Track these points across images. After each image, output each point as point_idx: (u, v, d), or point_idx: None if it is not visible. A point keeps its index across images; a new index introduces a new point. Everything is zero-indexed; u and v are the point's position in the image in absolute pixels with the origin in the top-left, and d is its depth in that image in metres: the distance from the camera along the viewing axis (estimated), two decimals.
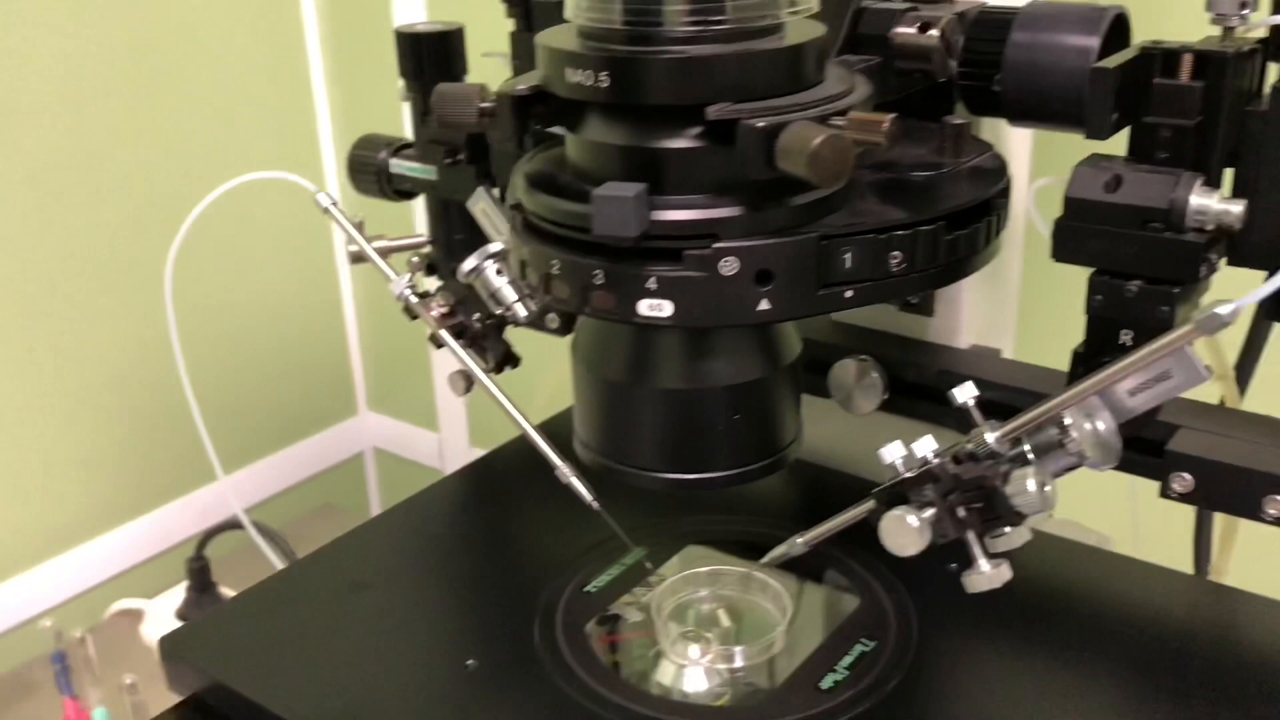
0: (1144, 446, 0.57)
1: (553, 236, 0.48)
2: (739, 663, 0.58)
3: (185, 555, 1.25)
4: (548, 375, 0.78)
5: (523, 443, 0.78)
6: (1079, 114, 0.50)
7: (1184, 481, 0.57)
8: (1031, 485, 0.43)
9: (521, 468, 0.77)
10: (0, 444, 1.27)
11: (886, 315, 0.69)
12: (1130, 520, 0.70)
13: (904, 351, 0.67)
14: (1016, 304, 0.70)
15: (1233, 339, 0.64)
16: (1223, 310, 0.41)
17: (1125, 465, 0.60)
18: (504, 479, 0.76)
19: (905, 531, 0.44)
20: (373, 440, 1.66)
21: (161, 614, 1.26)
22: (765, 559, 0.57)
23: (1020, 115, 0.55)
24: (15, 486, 1.30)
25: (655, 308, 0.46)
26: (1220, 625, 0.60)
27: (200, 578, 1.26)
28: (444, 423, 1.55)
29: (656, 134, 0.45)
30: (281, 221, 1.47)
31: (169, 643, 0.59)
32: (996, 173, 0.52)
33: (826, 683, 0.55)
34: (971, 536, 0.45)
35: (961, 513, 0.45)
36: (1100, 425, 0.45)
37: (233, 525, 1.27)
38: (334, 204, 0.66)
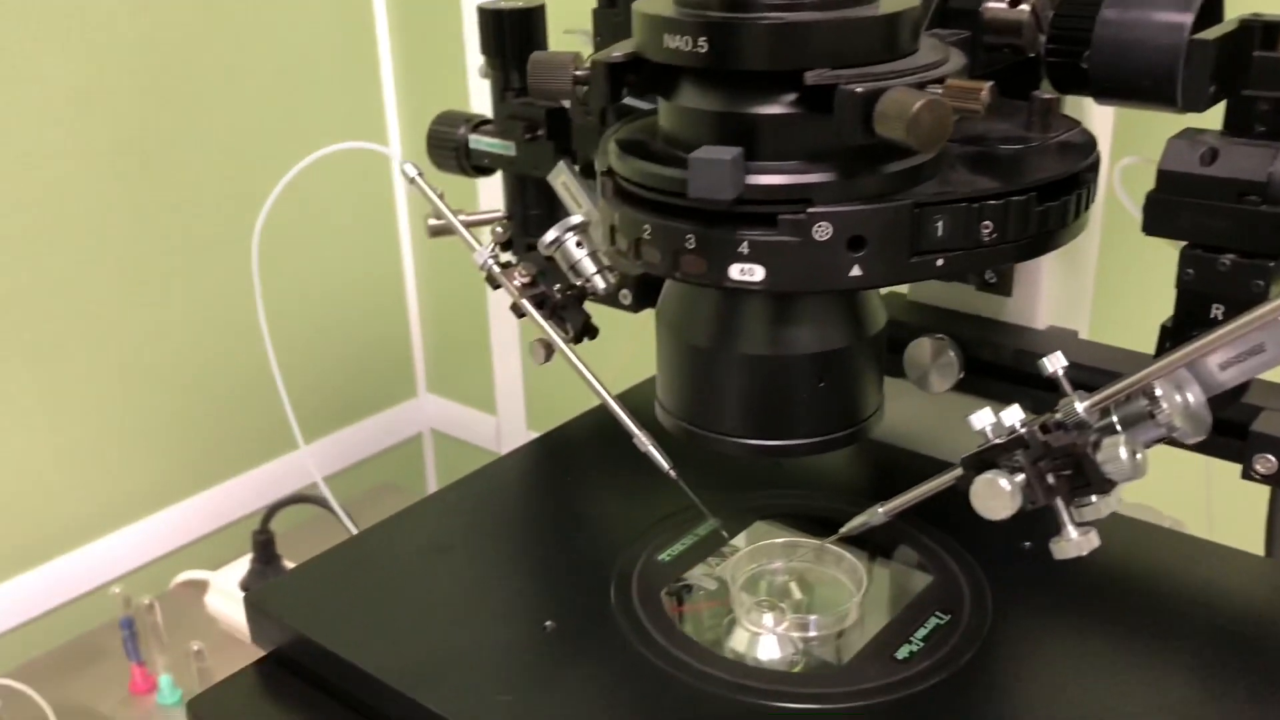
0: (1227, 429, 0.57)
1: (645, 201, 0.48)
2: (813, 632, 0.58)
3: (248, 530, 1.27)
4: (620, 350, 0.79)
5: (588, 419, 0.79)
6: (1168, 91, 0.50)
7: (1268, 463, 0.56)
8: (1124, 453, 0.43)
9: (589, 441, 0.78)
10: (75, 415, 1.30)
11: (964, 295, 0.69)
12: (1205, 504, 0.70)
13: (981, 331, 0.67)
14: (1093, 285, 0.70)
15: None
16: None
17: (1208, 447, 0.60)
18: (574, 452, 0.77)
19: (997, 494, 0.45)
20: (431, 422, 1.68)
21: (225, 585, 1.29)
22: (844, 529, 0.57)
23: (1107, 93, 0.54)
24: (90, 457, 1.33)
25: (747, 272, 0.46)
26: None
27: (265, 550, 1.28)
28: (502, 406, 1.57)
29: (753, 99, 0.46)
30: (345, 207, 1.50)
31: (254, 597, 0.60)
32: (1085, 147, 0.52)
33: (902, 653, 0.55)
34: (1060, 504, 0.45)
35: (1051, 480, 0.45)
36: (1190, 397, 0.45)
37: (298, 499, 1.29)
38: (419, 174, 0.67)
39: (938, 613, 0.58)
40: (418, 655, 0.56)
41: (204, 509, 1.45)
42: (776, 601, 0.60)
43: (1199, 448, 0.59)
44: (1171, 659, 0.55)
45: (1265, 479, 0.57)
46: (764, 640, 0.58)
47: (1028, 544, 0.63)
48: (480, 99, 1.37)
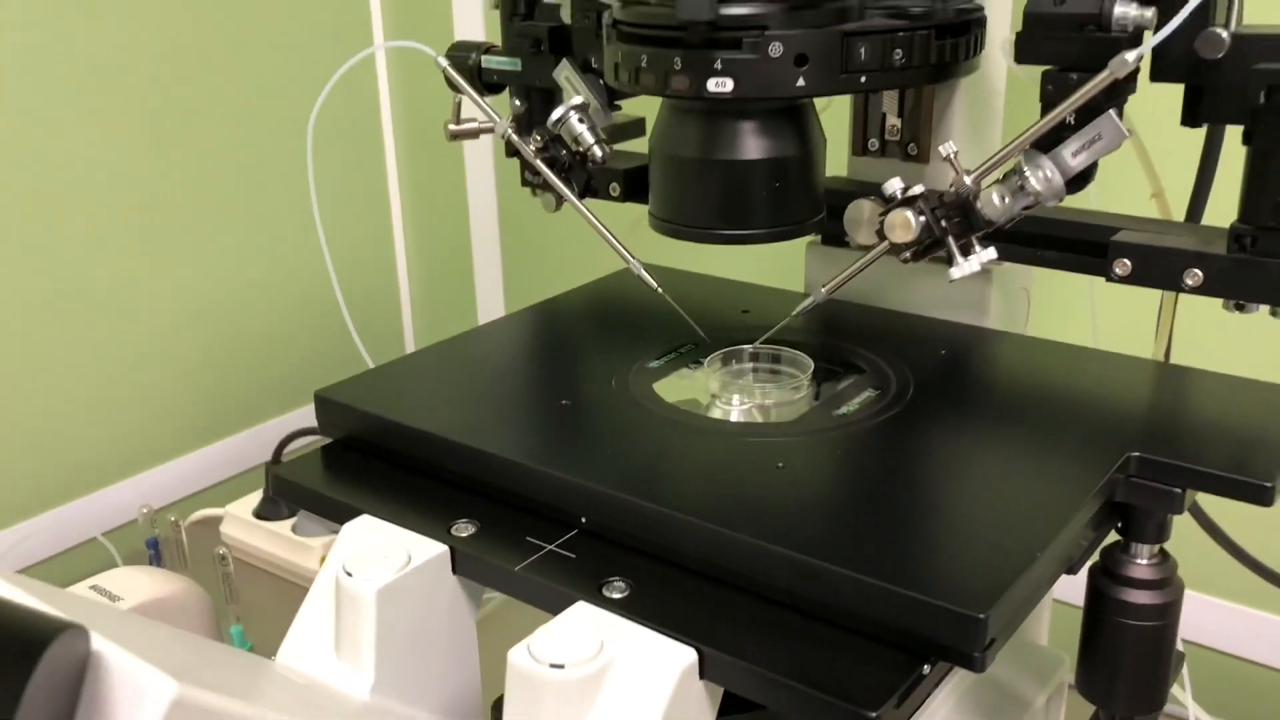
0: (1095, 250, 0.74)
1: (641, 38, 0.64)
2: (769, 402, 0.73)
3: (257, 478, 1.40)
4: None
5: (580, 293, 0.95)
6: None
7: (1124, 265, 0.72)
8: (995, 199, 0.59)
9: (586, 306, 0.93)
10: (99, 365, 1.44)
11: (892, 168, 0.85)
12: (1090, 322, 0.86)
13: None
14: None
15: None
16: (1129, 55, 0.57)
17: (1082, 266, 0.76)
18: (573, 308, 0.92)
19: (905, 223, 0.60)
20: None
21: (239, 514, 1.41)
22: (796, 310, 0.73)
23: None
24: (109, 405, 1.46)
25: (720, 85, 0.62)
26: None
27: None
28: None
29: None
30: (344, 187, 1.65)
31: (324, 393, 0.75)
32: (976, 9, 0.69)
33: (840, 411, 0.71)
34: (951, 241, 0.61)
35: (944, 224, 0.61)
36: (1048, 173, 0.61)
37: (309, 431, 1.43)
38: (449, 65, 0.82)
39: (870, 388, 0.74)
40: (464, 420, 0.71)
41: (217, 458, 1.58)
42: (744, 385, 0.75)
43: (1079, 267, 0.76)
44: (1025, 425, 0.71)
45: (1123, 279, 0.73)
46: (733, 414, 0.73)
47: (944, 351, 0.79)
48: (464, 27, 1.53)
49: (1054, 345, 0.81)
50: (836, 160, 0.88)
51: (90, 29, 1.35)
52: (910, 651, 0.53)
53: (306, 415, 1.56)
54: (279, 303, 1.62)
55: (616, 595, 0.58)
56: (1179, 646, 0.99)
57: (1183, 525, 0.97)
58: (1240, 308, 0.71)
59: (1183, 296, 0.74)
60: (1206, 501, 0.95)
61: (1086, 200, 0.76)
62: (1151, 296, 0.79)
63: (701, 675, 0.54)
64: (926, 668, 0.53)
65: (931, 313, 0.85)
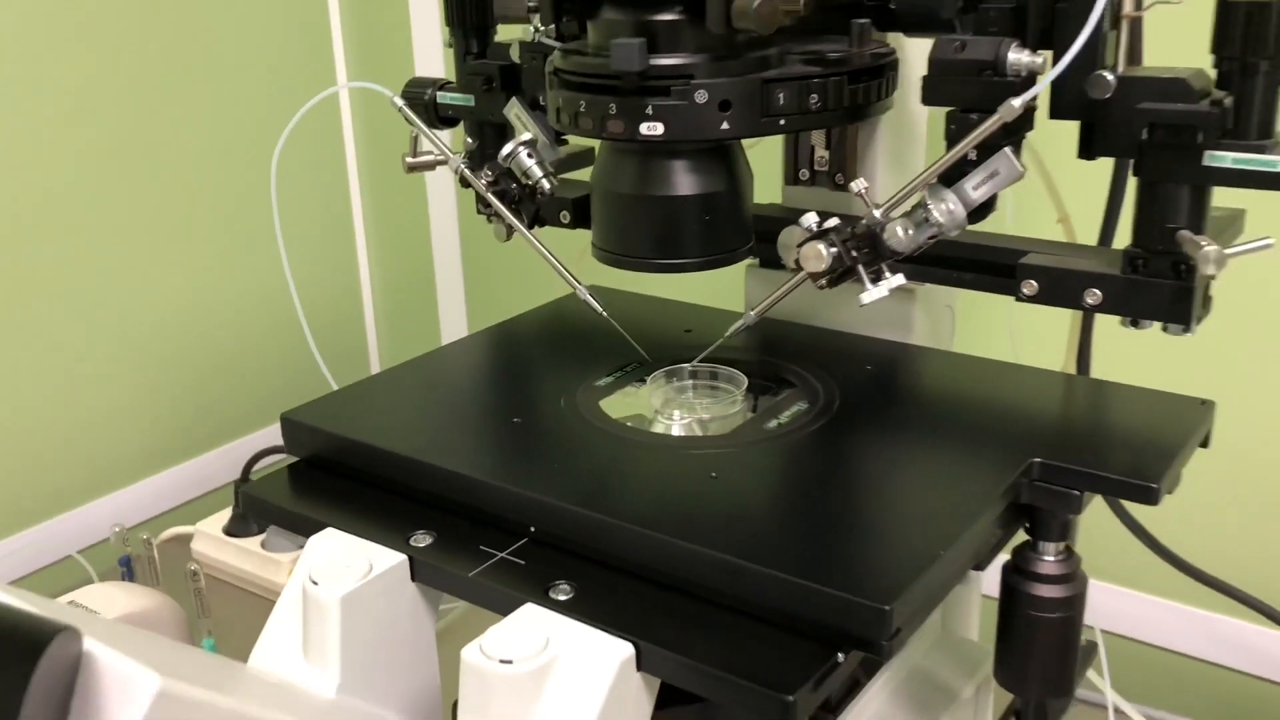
0: (1006, 271, 0.80)
1: (580, 85, 0.70)
2: (706, 416, 0.79)
3: (225, 497, 1.45)
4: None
5: (533, 316, 1.00)
6: (945, 25, 0.73)
7: (1031, 286, 0.79)
8: (900, 231, 0.65)
9: (540, 328, 0.98)
10: (72, 390, 1.48)
11: (822, 196, 0.91)
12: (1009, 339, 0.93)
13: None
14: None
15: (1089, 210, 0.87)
16: (1015, 101, 0.63)
17: (995, 287, 0.82)
18: (528, 330, 0.98)
19: (818, 254, 0.66)
20: None
21: (209, 531, 1.45)
22: (729, 331, 0.79)
23: (907, 27, 0.77)
24: (82, 427, 1.50)
25: (652, 128, 0.68)
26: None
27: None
28: None
29: (653, 9, 0.67)
30: (310, 214, 1.70)
31: (290, 415, 0.80)
32: (888, 54, 0.75)
33: (772, 424, 0.77)
34: (861, 269, 0.67)
35: (854, 254, 0.67)
36: (950, 206, 0.68)
37: (276, 450, 1.47)
38: (405, 106, 0.88)
39: (799, 403, 0.79)
40: (422, 439, 0.76)
41: (186, 477, 1.63)
42: (684, 401, 0.81)
43: (992, 287, 0.82)
44: (947, 436, 0.77)
45: (1030, 299, 0.79)
46: (674, 429, 0.79)
47: (869, 367, 0.85)
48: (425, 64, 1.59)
49: (972, 360, 0.87)
50: (772, 189, 0.94)
51: (64, 59, 1.39)
52: (826, 642, 0.59)
53: (274, 434, 1.61)
54: (247, 326, 1.66)
55: (561, 597, 0.63)
56: (1098, 640, 1.05)
57: (1108, 524, 1.04)
58: (1135, 324, 0.77)
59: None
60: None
61: (1003, 225, 0.83)
62: (1066, 314, 0.86)
63: (639, 667, 0.60)
64: (841, 656, 0.58)
65: (861, 330, 0.91)
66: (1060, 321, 0.93)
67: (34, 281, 1.42)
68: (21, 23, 1.35)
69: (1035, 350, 0.94)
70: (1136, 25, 0.76)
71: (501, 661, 0.58)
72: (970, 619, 0.98)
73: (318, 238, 1.73)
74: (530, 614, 0.62)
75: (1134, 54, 0.77)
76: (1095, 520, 1.05)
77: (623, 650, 0.59)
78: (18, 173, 1.37)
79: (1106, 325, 0.88)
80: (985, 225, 0.79)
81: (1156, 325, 0.77)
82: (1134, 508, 1.01)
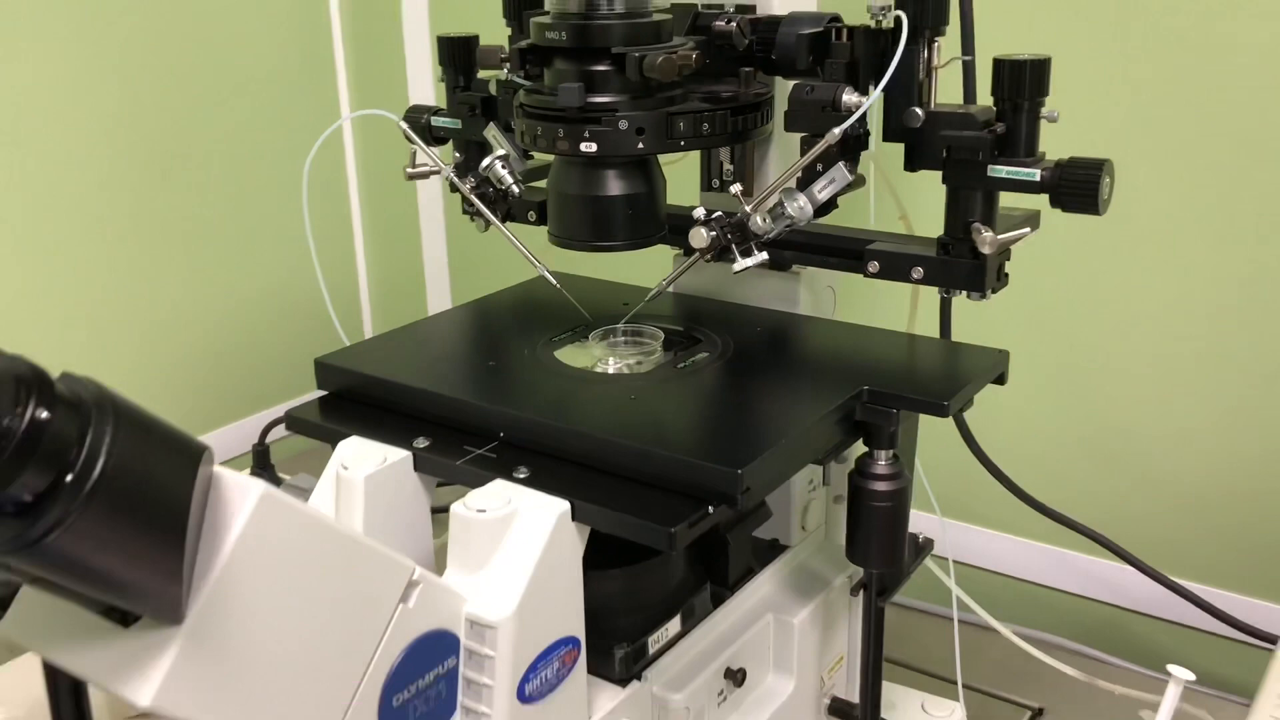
0: (855, 255, 1.07)
1: (537, 115, 0.97)
2: (634, 360, 1.06)
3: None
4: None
5: (506, 294, 1.27)
6: (801, 72, 1.01)
7: (874, 265, 1.06)
8: (759, 221, 0.93)
9: (512, 302, 1.26)
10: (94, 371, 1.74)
11: (728, 200, 1.18)
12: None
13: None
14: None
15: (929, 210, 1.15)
16: (836, 129, 0.91)
17: (849, 267, 1.10)
18: (502, 304, 1.25)
19: (698, 236, 0.94)
20: None
21: None
22: (646, 298, 1.06)
23: (778, 73, 1.05)
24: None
25: (588, 146, 0.95)
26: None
27: (263, 459, 1.72)
28: None
29: (590, 62, 0.95)
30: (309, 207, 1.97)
31: (322, 359, 1.06)
32: (767, 93, 1.02)
33: (680, 366, 1.04)
34: (734, 248, 0.95)
35: (728, 236, 0.94)
36: (801, 204, 0.95)
37: (278, 423, 1.73)
38: (407, 127, 1.15)
39: (703, 353, 1.07)
40: (418, 375, 1.03)
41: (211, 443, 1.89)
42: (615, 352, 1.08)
43: (847, 267, 1.09)
44: (806, 373, 1.04)
45: (874, 275, 1.07)
46: (609, 369, 1.06)
47: (759, 329, 1.13)
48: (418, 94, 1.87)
49: (835, 323, 1.15)
50: (693, 194, 1.21)
51: (104, 86, 1.66)
52: (701, 499, 0.86)
53: (276, 411, 1.88)
54: (261, 316, 1.93)
55: (521, 475, 0.90)
56: (949, 556, 1.32)
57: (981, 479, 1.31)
58: (948, 293, 1.05)
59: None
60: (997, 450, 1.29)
61: (866, 222, 1.11)
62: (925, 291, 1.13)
63: (574, 518, 0.86)
64: (710, 509, 0.85)
65: (757, 304, 1.19)
66: (931, 300, 1.21)
67: (73, 285, 1.68)
68: (70, 57, 1.62)
69: (900, 320, 1.22)
70: (970, 70, 1.04)
71: (478, 511, 0.85)
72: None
73: (324, 238, 2.01)
74: (498, 485, 0.89)
75: (969, 92, 1.05)
76: (973, 471, 1.34)
77: (561, 505, 0.86)
78: (63, 195, 1.64)
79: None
80: (848, 221, 1.07)
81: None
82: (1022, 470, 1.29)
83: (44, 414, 0.55)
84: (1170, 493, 1.49)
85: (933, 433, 1.15)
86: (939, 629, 1.48)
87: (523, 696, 0.84)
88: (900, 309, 1.21)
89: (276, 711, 0.70)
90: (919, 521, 1.14)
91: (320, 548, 0.72)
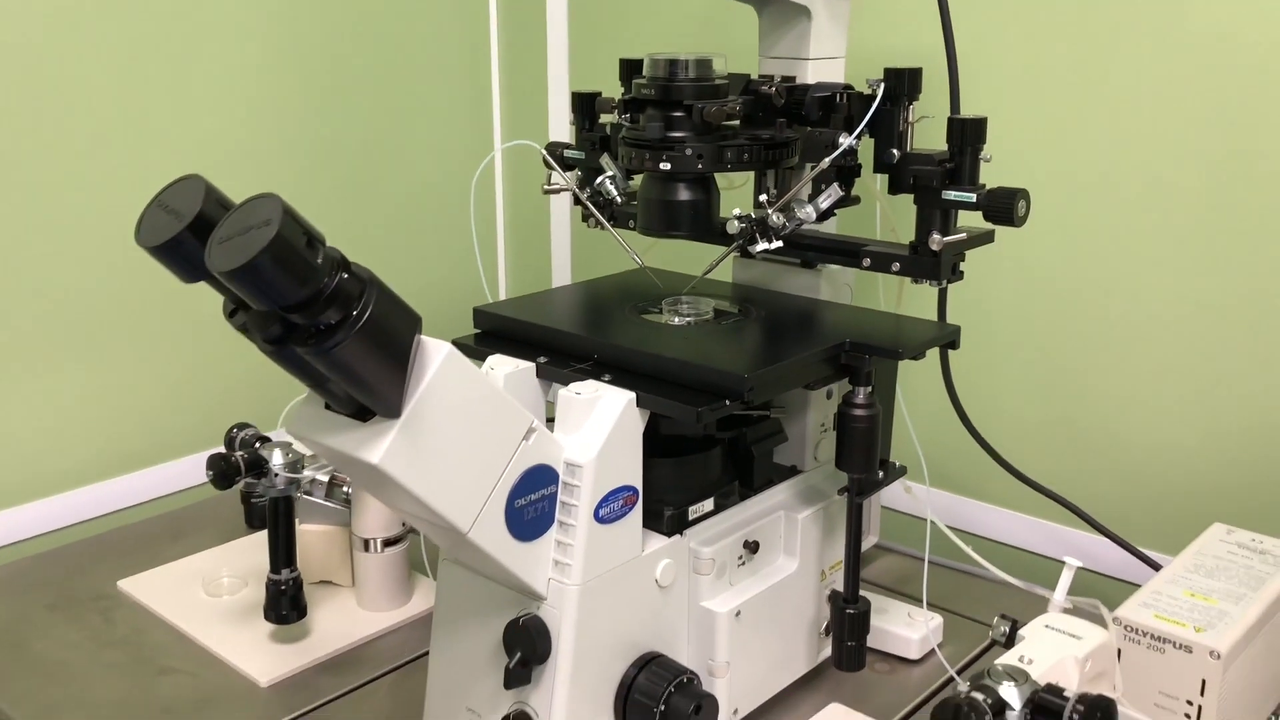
0: (856, 254, 1.51)
1: (631, 144, 1.45)
2: (691, 319, 1.52)
3: None
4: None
5: (612, 278, 1.74)
6: (814, 121, 1.46)
7: (866, 261, 1.50)
8: (774, 219, 1.38)
9: (614, 284, 1.73)
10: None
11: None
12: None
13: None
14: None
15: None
16: (826, 159, 1.36)
17: (848, 263, 1.54)
18: (608, 285, 1.72)
19: (733, 224, 1.39)
20: None
21: None
22: (699, 276, 1.52)
23: (803, 122, 1.51)
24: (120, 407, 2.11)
25: (665, 165, 1.42)
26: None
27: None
28: None
29: (668, 110, 1.42)
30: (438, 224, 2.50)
31: (479, 308, 1.54)
32: (795, 136, 1.48)
33: (724, 322, 1.49)
34: (758, 236, 1.40)
35: (754, 228, 1.39)
36: (809, 209, 1.40)
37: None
38: (547, 155, 1.64)
39: (739, 318, 1.52)
40: (545, 318, 1.50)
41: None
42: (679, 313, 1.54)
43: (848, 263, 1.53)
44: (812, 332, 1.48)
45: (867, 268, 1.50)
46: (675, 323, 1.52)
47: (784, 307, 1.57)
48: (556, 133, 2.39)
49: (839, 305, 1.59)
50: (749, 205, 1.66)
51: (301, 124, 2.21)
52: (720, 396, 1.30)
53: None
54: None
55: (606, 379, 1.36)
56: (918, 486, 1.72)
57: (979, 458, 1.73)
58: (916, 281, 1.48)
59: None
60: (988, 428, 1.70)
61: (873, 232, 1.55)
62: (919, 289, 1.56)
63: (638, 404, 1.31)
64: (727, 401, 1.30)
65: (788, 293, 1.63)
66: (914, 291, 1.63)
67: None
68: (264, 90, 2.16)
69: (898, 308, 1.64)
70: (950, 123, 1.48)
71: (576, 394, 1.31)
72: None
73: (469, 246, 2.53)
74: (590, 383, 1.35)
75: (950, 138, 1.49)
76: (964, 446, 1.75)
77: (629, 395, 1.31)
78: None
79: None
80: (856, 231, 1.52)
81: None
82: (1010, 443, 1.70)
83: (346, 276, 1.03)
84: (1141, 468, 1.86)
85: (932, 413, 1.56)
86: (935, 573, 1.86)
87: (598, 518, 1.29)
88: (902, 307, 1.64)
89: (450, 482, 1.17)
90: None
91: (479, 391, 1.19)
